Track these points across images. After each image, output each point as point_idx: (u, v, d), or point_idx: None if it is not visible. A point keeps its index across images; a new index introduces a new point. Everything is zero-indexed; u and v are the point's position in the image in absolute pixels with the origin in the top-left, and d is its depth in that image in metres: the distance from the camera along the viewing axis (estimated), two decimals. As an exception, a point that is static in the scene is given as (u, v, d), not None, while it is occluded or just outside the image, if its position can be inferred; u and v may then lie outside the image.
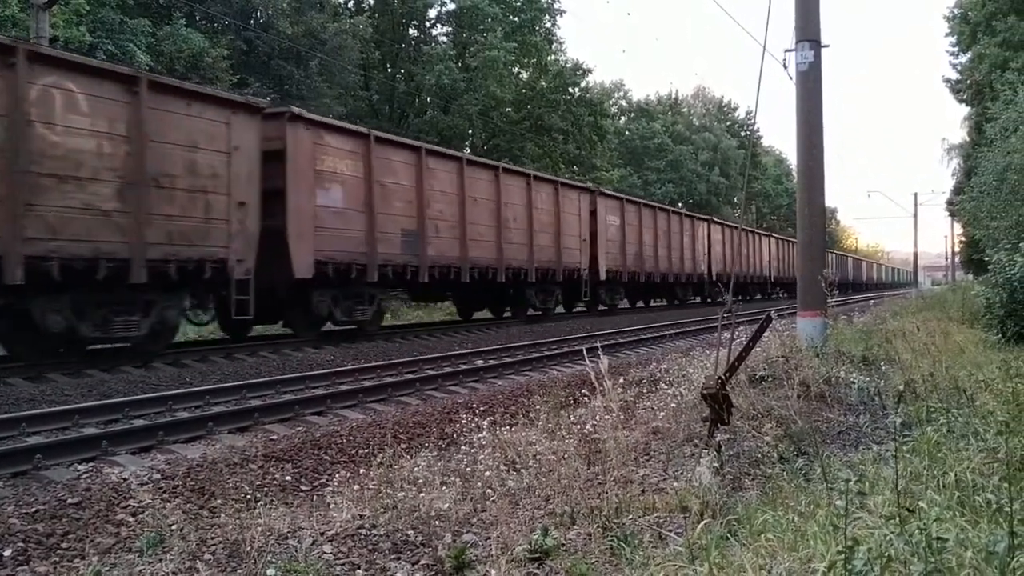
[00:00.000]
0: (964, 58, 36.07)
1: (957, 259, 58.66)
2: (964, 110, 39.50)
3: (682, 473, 5.25)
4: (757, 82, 8.76)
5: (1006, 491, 2.46)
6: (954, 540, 2.39)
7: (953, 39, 37.51)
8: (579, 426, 6.70)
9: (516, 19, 41.15)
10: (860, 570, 2.09)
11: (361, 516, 4.77)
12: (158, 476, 5.93)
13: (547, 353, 13.64)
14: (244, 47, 27.92)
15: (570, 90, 41.87)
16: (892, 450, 4.08)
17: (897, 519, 2.51)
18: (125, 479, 5.82)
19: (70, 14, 18.85)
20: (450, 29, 40.84)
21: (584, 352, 7.10)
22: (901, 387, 4.32)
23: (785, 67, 11.77)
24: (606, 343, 12.86)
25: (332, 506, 5.10)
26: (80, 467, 6.26)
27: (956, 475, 3.53)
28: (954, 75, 38.07)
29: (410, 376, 10.74)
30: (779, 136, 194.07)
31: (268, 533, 4.33)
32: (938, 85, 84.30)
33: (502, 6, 39.35)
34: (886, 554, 2.27)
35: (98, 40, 19.57)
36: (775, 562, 2.71)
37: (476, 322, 21.33)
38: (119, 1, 22.18)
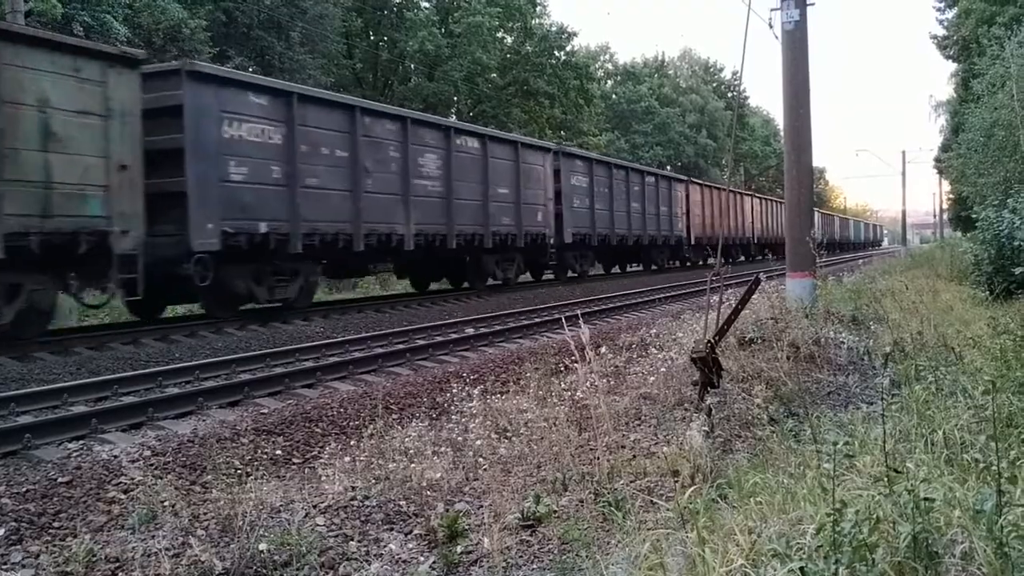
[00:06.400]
0: (950, 13, 35.80)
1: (945, 216, 58.75)
2: (951, 66, 39.25)
3: (673, 437, 5.26)
4: (743, 42, 8.67)
5: (993, 449, 2.47)
6: (942, 500, 2.40)
7: (939, -6, 37.21)
8: (570, 392, 6.72)
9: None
10: (848, 532, 2.10)
11: (353, 488, 4.78)
12: (149, 453, 5.91)
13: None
14: (223, 18, 27.38)
15: (555, 54, 41.45)
16: (881, 410, 4.08)
17: (885, 480, 2.52)
18: (116, 456, 5.80)
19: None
20: (433, -6, 40.26)
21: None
22: (888, 348, 4.31)
23: (771, 26, 11.69)
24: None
25: (324, 478, 5.11)
26: (70, 445, 6.22)
27: (944, 433, 3.54)
28: (941, 31, 37.77)
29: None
30: (766, 97, 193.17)
31: (260, 507, 4.34)
32: (925, 41, 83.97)
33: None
34: (874, 515, 2.28)
35: (73, 12, 19.11)
36: (765, 525, 2.71)
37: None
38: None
